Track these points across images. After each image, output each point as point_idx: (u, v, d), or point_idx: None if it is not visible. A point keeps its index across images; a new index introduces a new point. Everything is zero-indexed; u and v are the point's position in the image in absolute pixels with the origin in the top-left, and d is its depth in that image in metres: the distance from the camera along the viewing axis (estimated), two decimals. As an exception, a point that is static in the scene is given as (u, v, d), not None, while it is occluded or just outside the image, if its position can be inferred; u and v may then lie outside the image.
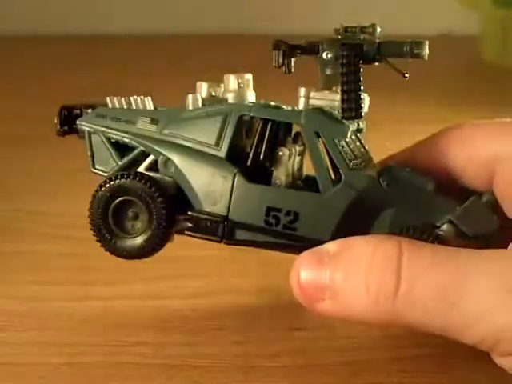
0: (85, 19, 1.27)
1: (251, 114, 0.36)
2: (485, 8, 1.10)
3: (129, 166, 0.39)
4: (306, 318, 0.33)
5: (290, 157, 0.36)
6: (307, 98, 0.36)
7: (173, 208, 0.36)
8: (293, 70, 0.36)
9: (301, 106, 0.36)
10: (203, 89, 0.38)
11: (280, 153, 0.37)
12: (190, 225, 0.37)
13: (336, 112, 0.35)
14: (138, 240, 0.37)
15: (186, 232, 0.37)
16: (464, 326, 0.30)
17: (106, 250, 0.37)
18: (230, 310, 0.41)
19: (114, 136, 0.39)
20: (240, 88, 0.37)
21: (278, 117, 0.36)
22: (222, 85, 0.38)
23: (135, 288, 0.41)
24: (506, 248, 0.32)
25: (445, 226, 0.33)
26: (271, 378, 0.35)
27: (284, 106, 0.37)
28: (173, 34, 1.22)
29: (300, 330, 0.37)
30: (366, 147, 0.37)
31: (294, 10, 1.27)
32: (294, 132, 0.38)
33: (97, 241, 0.37)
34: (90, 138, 0.40)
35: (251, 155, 0.37)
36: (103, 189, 0.37)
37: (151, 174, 0.38)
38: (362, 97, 0.35)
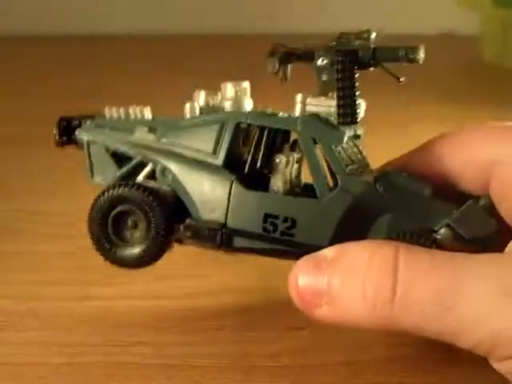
0: (85, 19, 1.27)
1: (248, 122, 0.36)
2: (485, 8, 1.10)
3: (127, 175, 0.39)
4: (306, 318, 0.33)
5: (287, 164, 0.37)
6: (304, 104, 0.36)
7: (171, 216, 0.37)
8: (289, 77, 0.36)
9: (297, 112, 0.36)
10: (201, 97, 0.38)
11: (277, 160, 0.37)
12: (189, 233, 0.37)
13: (332, 118, 0.36)
14: (137, 249, 0.37)
15: (184, 240, 0.38)
16: (460, 330, 0.30)
17: (106, 260, 0.38)
18: (230, 310, 0.41)
19: (113, 146, 0.39)
20: (237, 96, 0.37)
21: (274, 124, 0.36)
22: (220, 93, 0.38)
23: (135, 288, 0.41)
24: (503, 251, 0.32)
25: (442, 230, 0.33)
26: (271, 377, 0.35)
27: (281, 113, 0.37)
28: (173, 34, 1.22)
29: (300, 330, 0.37)
30: (364, 153, 0.37)
31: (294, 10, 1.27)
32: (292, 139, 0.38)
33: (96, 250, 0.38)
34: (88, 148, 0.40)
35: (248, 163, 0.37)
36: (102, 198, 0.37)
37: (150, 182, 0.38)
38: (357, 102, 0.35)
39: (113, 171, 0.39)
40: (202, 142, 0.37)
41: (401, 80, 0.35)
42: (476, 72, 1.08)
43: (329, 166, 0.35)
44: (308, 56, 0.36)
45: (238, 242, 0.36)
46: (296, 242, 0.35)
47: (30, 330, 0.39)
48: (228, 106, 0.37)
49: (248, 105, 0.38)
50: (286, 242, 0.35)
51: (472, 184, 0.36)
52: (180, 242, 0.38)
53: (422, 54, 0.34)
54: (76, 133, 0.40)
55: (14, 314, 0.41)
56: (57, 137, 0.40)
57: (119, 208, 0.37)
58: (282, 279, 0.33)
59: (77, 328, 0.40)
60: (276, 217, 0.35)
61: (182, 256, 0.39)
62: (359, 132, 0.37)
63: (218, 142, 0.37)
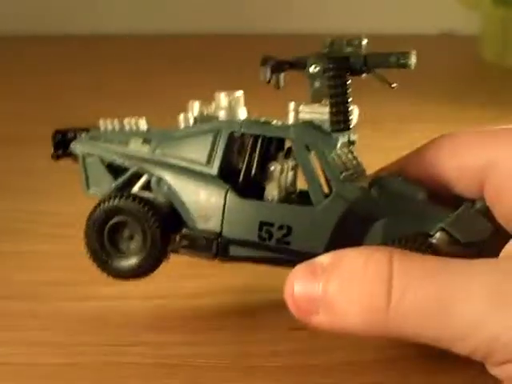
0: (85, 19, 1.27)
1: (242, 131, 0.37)
2: (485, 8, 1.10)
3: (123, 186, 0.39)
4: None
5: (281, 172, 0.37)
6: (297, 111, 0.36)
7: (167, 227, 0.37)
8: (282, 85, 0.36)
9: (290, 120, 0.36)
10: (195, 107, 0.38)
11: (271, 168, 0.37)
12: (185, 243, 0.37)
13: (326, 125, 0.36)
14: (134, 260, 0.37)
15: (180, 250, 0.38)
16: (456, 336, 0.30)
17: (102, 271, 0.38)
18: (230, 310, 0.41)
19: (108, 158, 0.39)
20: (231, 105, 0.37)
21: (267, 132, 0.36)
22: (214, 102, 0.38)
23: (135, 288, 0.41)
24: (498, 255, 0.32)
25: (438, 234, 0.33)
26: (271, 377, 0.35)
27: (274, 121, 0.37)
28: (173, 34, 1.22)
29: (300, 330, 0.37)
30: (359, 159, 0.37)
31: (294, 10, 1.27)
32: (286, 147, 0.38)
33: (93, 262, 0.38)
34: (84, 160, 0.40)
35: (243, 171, 0.37)
36: (98, 210, 0.37)
37: (145, 193, 0.38)
38: (350, 109, 0.35)
39: (108, 183, 0.40)
40: (196, 152, 0.37)
41: (393, 86, 0.35)
42: (476, 72, 1.08)
43: (324, 172, 0.36)
44: (300, 64, 0.36)
45: (234, 250, 0.36)
46: (292, 249, 0.35)
47: (29, 330, 0.39)
48: (222, 115, 0.37)
49: (242, 114, 0.38)
50: (281, 249, 0.35)
51: (467, 188, 0.36)
52: (176, 251, 0.38)
53: (413, 60, 0.34)
54: (71, 145, 0.40)
55: (14, 314, 0.41)
56: (52, 149, 0.41)
57: (115, 219, 0.37)
58: (282, 279, 0.33)
59: (77, 328, 0.40)
60: (271, 225, 0.35)
61: (182, 256, 0.39)
62: (353, 138, 0.37)
63: (212, 152, 0.37)
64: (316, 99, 0.36)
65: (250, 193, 0.36)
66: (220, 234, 0.36)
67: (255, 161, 0.37)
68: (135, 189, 0.39)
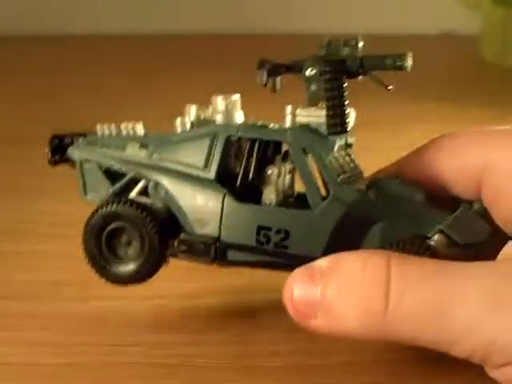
0: (85, 19, 1.27)
1: (239, 135, 0.37)
2: (485, 7, 1.10)
3: (120, 192, 0.39)
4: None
5: (279, 175, 0.37)
6: (293, 115, 0.36)
7: (165, 232, 0.37)
8: (279, 88, 0.36)
9: (287, 123, 0.36)
10: (192, 111, 0.38)
11: (269, 172, 0.37)
12: (183, 248, 0.37)
13: (323, 128, 0.36)
14: (132, 266, 0.37)
15: (179, 255, 0.38)
16: (454, 339, 0.30)
17: (101, 277, 0.38)
18: (230, 310, 0.41)
19: (105, 163, 0.39)
20: (228, 109, 0.37)
21: (264, 136, 0.36)
22: (211, 106, 0.38)
23: (135, 288, 0.40)
24: (496, 256, 0.32)
25: (436, 236, 0.33)
26: (271, 377, 0.35)
27: (271, 125, 0.37)
28: (173, 34, 1.22)
29: (300, 331, 0.37)
30: (356, 162, 0.37)
31: (294, 11, 1.27)
32: (283, 150, 0.38)
33: (91, 267, 0.38)
34: (81, 166, 0.40)
35: (240, 175, 0.37)
36: (96, 216, 0.37)
37: (142, 199, 0.38)
38: (347, 111, 0.35)
39: (106, 188, 0.40)
40: (194, 157, 0.37)
41: (389, 88, 0.35)
42: (476, 72, 1.07)
43: (321, 175, 0.35)
44: (297, 67, 0.36)
45: (232, 255, 0.36)
46: (290, 253, 0.35)
47: (29, 330, 0.39)
48: (219, 119, 0.37)
49: (239, 117, 0.38)
50: (279, 253, 0.35)
51: (465, 189, 0.36)
52: (175, 256, 0.38)
53: (409, 62, 0.34)
54: (68, 151, 0.40)
55: (14, 314, 0.41)
56: (49, 155, 0.40)
57: (113, 225, 0.37)
58: (282, 280, 0.33)
59: (77, 328, 0.40)
60: (269, 229, 0.35)
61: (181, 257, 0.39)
62: (350, 141, 0.37)
63: (209, 156, 0.37)
64: (313, 102, 0.36)
65: (247, 197, 0.36)
66: (218, 239, 0.36)
67: (252, 165, 0.37)
68: (133, 194, 0.38)
